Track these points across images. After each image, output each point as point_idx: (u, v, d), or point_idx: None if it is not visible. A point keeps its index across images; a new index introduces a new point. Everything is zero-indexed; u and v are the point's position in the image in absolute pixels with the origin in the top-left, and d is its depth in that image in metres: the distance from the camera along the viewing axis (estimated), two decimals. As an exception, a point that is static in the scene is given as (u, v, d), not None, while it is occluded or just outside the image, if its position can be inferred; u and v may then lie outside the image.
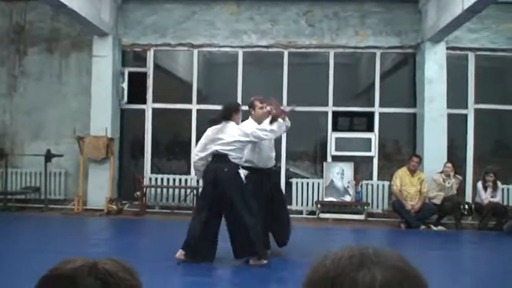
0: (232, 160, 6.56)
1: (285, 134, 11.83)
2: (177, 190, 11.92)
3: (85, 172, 11.78)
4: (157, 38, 12.23)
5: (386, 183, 11.46)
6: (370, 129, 12.05)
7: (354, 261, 0.95)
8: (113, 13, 11.91)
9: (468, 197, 11.30)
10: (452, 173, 10.50)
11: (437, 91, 11.31)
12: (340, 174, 11.51)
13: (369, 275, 0.92)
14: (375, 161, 11.92)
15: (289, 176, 12.05)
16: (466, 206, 10.55)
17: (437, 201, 10.45)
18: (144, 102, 12.29)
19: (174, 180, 12.01)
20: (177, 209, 11.57)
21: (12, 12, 12.66)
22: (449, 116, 11.43)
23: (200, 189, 6.67)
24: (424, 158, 10.97)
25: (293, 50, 12.11)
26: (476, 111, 11.73)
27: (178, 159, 12.83)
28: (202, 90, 12.65)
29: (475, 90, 11.75)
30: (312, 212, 11.62)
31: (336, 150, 11.83)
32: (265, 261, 6.48)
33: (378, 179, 11.80)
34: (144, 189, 11.60)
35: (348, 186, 11.45)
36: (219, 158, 6.57)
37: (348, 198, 11.46)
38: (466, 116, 11.74)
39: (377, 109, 11.95)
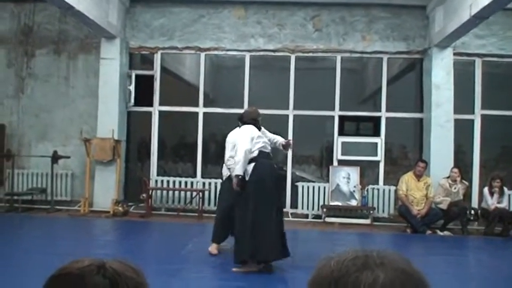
0: None
1: (291, 137, 11.95)
2: (182, 192, 11.97)
3: (91, 174, 11.85)
4: (164, 41, 12.31)
5: (393, 188, 11.48)
6: (376, 133, 12.08)
7: (357, 262, 0.97)
8: (120, 16, 11.99)
9: (474, 203, 11.33)
10: (458, 178, 10.52)
11: (444, 96, 11.35)
12: (346, 179, 11.54)
13: (371, 276, 0.94)
14: (381, 166, 11.95)
15: (295, 179, 12.09)
16: (472, 212, 10.60)
17: (444, 206, 10.46)
18: (150, 104, 12.36)
19: (180, 182, 12.06)
20: (183, 212, 11.61)
21: (20, 13, 12.75)
22: (456, 121, 11.46)
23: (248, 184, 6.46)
24: (430, 163, 11.01)
25: (300, 54, 12.17)
26: (483, 117, 11.77)
27: (184, 161, 12.90)
28: (209, 93, 12.73)
29: (481, 96, 11.79)
30: (318, 216, 11.65)
31: (342, 154, 11.87)
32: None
33: (384, 184, 11.83)
34: (150, 192, 11.65)
35: (353, 191, 11.48)
36: (267, 155, 6.70)
37: (353, 203, 11.49)
38: (472, 121, 11.77)
39: (384, 114, 11.99)
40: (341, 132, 12.11)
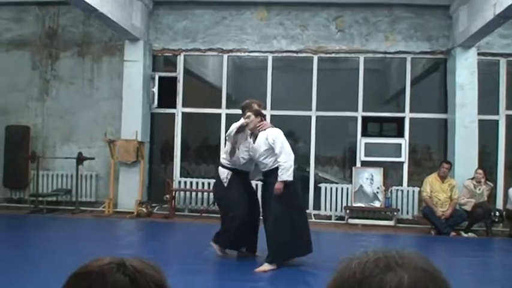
0: None
1: (314, 138, 11.99)
2: (205, 194, 12.07)
3: (116, 175, 12.02)
4: (187, 43, 12.44)
5: (417, 189, 11.47)
6: (400, 134, 12.07)
7: (380, 264, 0.97)
8: (144, 18, 12.14)
9: (499, 204, 11.27)
10: (483, 180, 10.48)
11: (469, 97, 11.32)
12: (369, 180, 11.55)
13: (396, 277, 0.94)
14: (405, 167, 11.94)
15: (318, 181, 12.14)
16: (497, 213, 10.53)
17: (468, 207, 10.43)
18: (174, 106, 12.50)
19: (203, 184, 12.16)
20: (206, 213, 11.71)
21: (44, 16, 12.99)
22: (481, 122, 11.42)
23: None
24: (454, 164, 10.99)
25: (323, 55, 12.21)
26: (508, 117, 11.71)
27: (207, 163, 12.99)
28: (231, 95, 12.82)
29: (506, 96, 11.73)
30: (341, 218, 11.69)
31: (366, 155, 11.89)
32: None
33: (408, 185, 11.80)
34: (173, 193, 11.78)
35: (377, 192, 11.48)
36: None
37: (377, 204, 11.49)
38: (497, 122, 11.71)
39: (407, 114, 11.98)
40: (364, 133, 12.13)
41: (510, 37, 11.58)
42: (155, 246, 8.49)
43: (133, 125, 11.90)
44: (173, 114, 12.52)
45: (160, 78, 12.52)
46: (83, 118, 12.69)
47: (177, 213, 11.87)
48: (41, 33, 12.98)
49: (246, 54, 12.49)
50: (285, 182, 6.60)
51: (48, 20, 12.99)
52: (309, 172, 12.23)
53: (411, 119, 11.98)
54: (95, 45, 12.76)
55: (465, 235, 10.28)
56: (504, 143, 11.67)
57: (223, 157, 7.26)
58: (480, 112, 11.39)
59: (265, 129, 6.94)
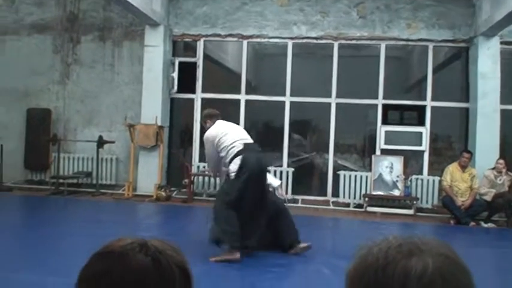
0: None
1: (334, 125, 12.00)
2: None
3: (135, 159, 12.15)
4: (207, 28, 12.48)
5: (437, 178, 11.44)
6: (421, 123, 12.03)
7: (403, 250, 0.97)
8: (164, 3, 12.20)
9: (520, 195, 11.19)
10: (504, 170, 10.42)
11: (491, 86, 11.24)
12: (389, 168, 11.53)
13: (420, 262, 0.94)
14: (426, 156, 11.90)
15: (337, 168, 12.15)
16: (518, 204, 10.47)
17: (488, 198, 10.39)
18: (193, 91, 12.57)
19: (221, 169, 12.20)
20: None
21: (66, 1, 13.14)
22: (502, 111, 11.36)
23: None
24: (475, 154, 10.94)
25: (343, 41, 12.18)
26: (530, 107, 11.61)
27: (226, 148, 13.01)
28: (251, 81, 12.86)
29: (529, 85, 11.62)
30: (359, 205, 11.70)
31: (386, 143, 11.87)
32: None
33: (428, 174, 11.78)
34: (192, 177, 11.86)
35: (396, 181, 11.47)
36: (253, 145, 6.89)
37: (396, 193, 11.48)
38: (519, 111, 11.63)
39: (429, 103, 11.92)
40: (384, 121, 12.11)
41: (534, 26, 11.46)
42: (174, 229, 8.62)
43: (153, 109, 12.01)
44: (192, 100, 12.60)
45: (180, 63, 12.61)
46: (104, 102, 12.83)
47: (195, 197, 11.96)
48: (62, 18, 13.11)
49: (266, 40, 12.49)
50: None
51: (69, 4, 13.12)
52: (327, 159, 12.26)
53: (432, 108, 11.92)
54: (116, 30, 12.85)
55: (485, 225, 10.24)
56: (526, 132, 11.58)
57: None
58: (502, 102, 11.32)
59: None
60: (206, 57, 12.72)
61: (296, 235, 6.84)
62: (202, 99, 12.55)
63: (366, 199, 11.57)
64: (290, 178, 12.02)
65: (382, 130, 11.94)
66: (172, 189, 12.15)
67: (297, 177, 12.19)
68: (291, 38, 12.30)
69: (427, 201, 11.60)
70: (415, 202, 11.42)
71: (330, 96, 12.16)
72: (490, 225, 10.25)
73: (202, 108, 12.48)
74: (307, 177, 12.89)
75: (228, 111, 13.00)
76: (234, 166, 6.51)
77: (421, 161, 11.97)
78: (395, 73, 12.61)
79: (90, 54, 12.95)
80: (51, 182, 12.51)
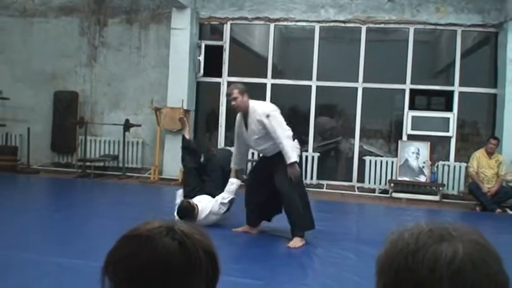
0: None
1: (360, 110, 12.15)
2: (249, 163, 12.34)
3: (161, 142, 12.43)
4: (234, 11, 12.67)
5: (463, 164, 11.55)
6: (448, 108, 12.14)
7: (434, 235, 0.99)
8: (191, -14, 12.40)
9: (547, 182, 11.28)
10: (531, 157, 10.52)
11: (519, 72, 11.30)
12: (415, 154, 11.67)
13: (451, 248, 0.96)
14: (453, 142, 12.01)
15: (362, 153, 12.33)
16: (545, 191, 10.57)
17: (515, 184, 10.52)
18: (219, 75, 12.78)
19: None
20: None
21: (93, -17, 13.37)
22: (531, 98, 11.40)
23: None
24: (502, 141, 11.01)
25: (371, 25, 12.29)
26: (560, 93, 11.64)
27: (251, 132, 13.23)
28: (277, 64, 13.04)
29: (559, 71, 11.64)
30: (385, 191, 11.86)
31: (412, 129, 11.99)
32: None
33: (455, 160, 11.89)
34: (218, 161, 12.08)
35: (423, 166, 11.61)
36: None
37: (422, 179, 11.63)
38: (548, 98, 11.66)
39: (457, 88, 12.01)
40: (412, 106, 12.22)
41: None
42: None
43: (179, 93, 12.25)
44: (219, 83, 12.82)
45: (206, 46, 12.82)
46: (130, 85, 13.12)
47: (221, 181, 12.17)
48: (90, 0, 13.36)
49: (293, 23, 12.65)
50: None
51: (96, -14, 13.37)
52: (353, 144, 12.44)
53: (460, 93, 12.02)
54: (143, 12, 13.10)
55: (511, 212, 10.38)
56: (555, 119, 11.62)
57: None
58: (531, 88, 11.37)
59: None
60: (233, 40, 12.92)
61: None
62: (229, 83, 12.74)
63: (392, 185, 11.72)
64: (316, 163, 12.23)
65: (409, 115, 12.07)
66: (198, 173, 12.38)
67: (322, 162, 12.40)
68: (318, 22, 12.45)
69: (453, 188, 11.72)
70: (441, 188, 11.54)
71: (356, 80, 12.31)
72: (516, 212, 10.39)
73: (229, 92, 12.69)
74: (333, 163, 13.09)
75: (254, 95, 13.18)
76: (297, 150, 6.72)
77: (448, 147, 12.09)
78: (423, 58, 12.69)
79: (117, 37, 13.23)
80: (77, 165, 12.87)
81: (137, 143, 12.98)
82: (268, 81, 12.61)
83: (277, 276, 5.28)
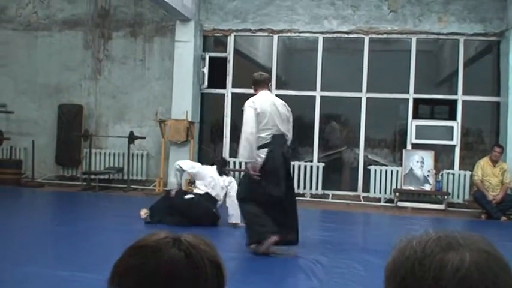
0: None
1: (364, 119, 12.27)
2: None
3: (166, 154, 12.54)
4: (238, 23, 12.85)
5: (468, 173, 11.64)
6: (452, 117, 12.26)
7: (441, 243, 0.99)
8: (195, -2, 12.57)
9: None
10: (536, 164, 10.60)
11: (522, 80, 11.41)
12: (420, 163, 11.77)
13: (457, 256, 0.95)
14: (457, 150, 12.12)
15: (367, 163, 12.43)
16: (550, 198, 10.64)
17: (520, 192, 10.60)
18: (224, 87, 12.94)
19: (252, 164, 12.52)
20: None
21: (97, -4, 13.57)
22: (534, 105, 11.50)
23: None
24: (507, 148, 11.13)
25: (374, 36, 12.44)
26: None
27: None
28: (281, 76, 13.21)
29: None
30: (390, 200, 11.97)
31: (416, 138, 12.10)
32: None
33: (460, 169, 12.00)
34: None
35: (427, 175, 11.71)
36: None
37: (427, 187, 11.74)
38: (552, 106, 11.76)
39: (460, 97, 12.13)
40: (415, 116, 12.35)
41: None
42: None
43: (183, 105, 12.40)
44: (223, 95, 12.96)
45: (210, 58, 12.99)
46: (135, 98, 13.29)
47: (226, 193, 12.28)
48: (94, 13, 13.58)
49: (297, 34, 12.82)
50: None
51: (100, 0, 13.53)
52: (358, 154, 12.54)
53: (464, 102, 12.14)
54: (147, 25, 13.29)
55: (516, 220, 10.48)
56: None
57: None
58: (534, 96, 11.47)
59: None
60: (236, 52, 13.10)
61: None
62: (233, 94, 12.90)
63: (397, 194, 11.82)
64: (320, 173, 12.34)
65: (413, 124, 12.18)
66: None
67: (327, 172, 12.50)
68: (322, 33, 12.61)
69: (458, 196, 11.82)
70: (446, 197, 11.64)
71: (360, 90, 12.44)
72: (521, 219, 10.46)
73: (233, 103, 12.85)
74: (338, 172, 13.19)
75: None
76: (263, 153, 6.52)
77: (452, 155, 12.20)
78: (426, 67, 12.82)
79: (121, 50, 13.41)
80: (82, 178, 12.95)
81: (142, 155, 13.13)
82: (273, 92, 12.64)
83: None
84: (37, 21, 13.84)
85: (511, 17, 11.39)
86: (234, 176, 10.13)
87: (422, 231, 1.06)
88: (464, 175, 11.78)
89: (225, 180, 8.47)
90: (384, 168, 12.20)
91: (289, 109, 6.74)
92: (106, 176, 12.93)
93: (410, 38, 12.35)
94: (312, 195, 12.32)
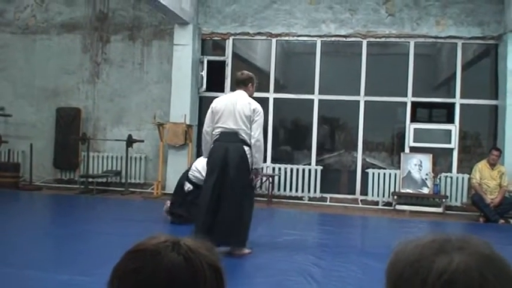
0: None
1: (362, 123, 12.31)
2: (252, 178, 12.46)
3: (164, 157, 12.59)
4: (236, 27, 12.89)
5: (466, 176, 11.69)
6: (450, 120, 12.31)
7: (434, 246, 1.00)
8: (193, 2, 12.63)
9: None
10: (534, 168, 10.63)
11: (520, 83, 11.46)
12: (418, 166, 11.82)
13: (446, 259, 0.96)
14: (455, 154, 12.17)
15: (365, 166, 12.48)
16: (547, 201, 10.67)
17: (517, 195, 10.64)
18: (222, 90, 12.93)
19: (250, 167, 12.55)
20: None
21: (95, 0, 13.56)
22: (532, 108, 11.55)
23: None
24: (504, 151, 11.17)
25: (372, 39, 12.49)
26: (561, 104, 11.78)
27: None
28: (279, 79, 13.24)
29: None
30: (388, 204, 12.00)
31: (414, 141, 12.14)
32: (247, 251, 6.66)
33: (458, 172, 12.04)
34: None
35: (426, 178, 11.76)
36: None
37: (425, 191, 11.78)
38: (549, 109, 11.81)
39: (458, 100, 12.18)
40: (413, 119, 12.39)
41: None
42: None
43: (182, 108, 12.44)
44: (221, 98, 12.94)
45: (209, 62, 13.04)
46: (133, 101, 13.32)
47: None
48: (92, 17, 13.61)
49: (295, 38, 12.86)
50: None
51: (98, 3, 13.62)
52: (356, 157, 12.57)
53: (461, 105, 12.19)
54: (145, 29, 13.33)
55: (514, 223, 10.51)
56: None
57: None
58: (532, 99, 11.51)
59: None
60: (235, 55, 13.14)
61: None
62: (231, 98, 12.89)
63: (395, 197, 11.86)
64: (318, 176, 12.37)
65: (411, 128, 12.22)
66: (201, 187, 12.52)
67: (325, 176, 12.53)
68: (320, 36, 12.66)
69: (456, 199, 11.86)
70: (444, 200, 11.68)
71: (358, 94, 12.48)
72: (519, 222, 10.50)
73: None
74: (336, 176, 13.21)
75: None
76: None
77: (450, 158, 12.24)
78: (424, 71, 12.85)
79: (120, 53, 13.45)
80: (80, 181, 12.92)
81: (140, 158, 13.15)
82: (271, 95, 12.78)
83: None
84: (35, 24, 13.87)
85: (509, 20, 11.43)
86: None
87: (420, 234, 1.07)
88: (462, 178, 11.83)
89: None
90: (382, 171, 12.24)
91: (257, 109, 6.70)
92: (104, 179, 12.98)
93: (408, 42, 12.40)
94: (310, 199, 12.36)
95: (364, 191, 12.32)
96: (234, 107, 6.66)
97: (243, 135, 6.59)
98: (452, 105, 12.27)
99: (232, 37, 12.99)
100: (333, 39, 12.66)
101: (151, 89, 13.24)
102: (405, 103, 12.37)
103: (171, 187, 12.24)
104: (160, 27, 13.23)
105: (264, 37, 12.89)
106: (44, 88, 13.68)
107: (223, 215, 6.48)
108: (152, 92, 13.23)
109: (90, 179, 12.72)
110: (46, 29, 13.81)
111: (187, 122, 12.34)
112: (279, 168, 12.50)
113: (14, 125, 13.71)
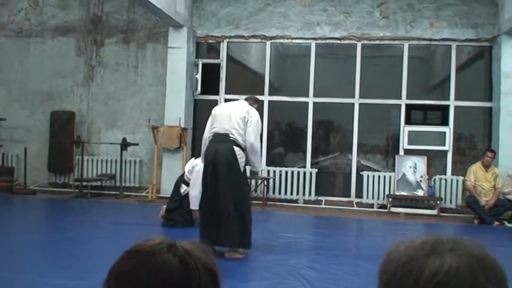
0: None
1: (357, 125, 12.33)
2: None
3: (159, 161, 12.57)
4: (230, 30, 12.91)
5: (460, 178, 11.71)
6: (444, 123, 12.34)
7: (425, 247, 1.00)
8: (187, 5, 12.63)
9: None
10: (528, 169, 10.66)
11: (514, 85, 11.50)
12: (412, 168, 11.84)
13: (438, 261, 0.97)
14: (449, 156, 12.20)
15: (360, 168, 12.49)
16: (542, 203, 10.70)
17: (512, 197, 10.67)
18: (216, 93, 12.98)
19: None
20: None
21: (89, 3, 13.64)
22: (526, 110, 11.58)
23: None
24: (499, 153, 11.21)
25: (366, 42, 12.52)
26: (555, 106, 11.83)
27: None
28: (274, 82, 13.25)
29: (553, 84, 11.84)
30: (383, 206, 12.02)
31: (409, 143, 12.16)
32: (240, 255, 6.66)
33: (452, 174, 12.07)
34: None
35: (420, 181, 11.78)
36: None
37: (420, 193, 11.80)
38: (543, 111, 11.85)
39: (452, 102, 12.22)
40: (408, 121, 12.43)
41: (558, 24, 11.69)
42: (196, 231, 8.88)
43: (176, 111, 12.44)
44: (216, 101, 12.93)
45: (203, 64, 13.05)
46: (127, 104, 13.31)
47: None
48: (86, 20, 13.61)
49: (289, 41, 12.88)
50: None
51: (92, 6, 13.61)
52: (351, 160, 12.58)
53: (456, 107, 12.22)
54: (139, 32, 13.33)
55: (509, 225, 10.53)
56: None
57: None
58: (526, 101, 11.55)
59: None
60: (229, 58, 13.16)
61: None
62: (226, 101, 12.89)
63: (390, 199, 11.87)
64: (313, 179, 12.38)
65: (405, 130, 12.24)
66: (196, 190, 12.51)
67: (320, 178, 12.54)
68: (314, 39, 12.68)
69: (450, 201, 11.89)
70: (438, 202, 11.70)
71: (353, 96, 12.50)
72: (514, 224, 10.52)
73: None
74: (331, 178, 13.21)
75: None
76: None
77: (445, 160, 12.28)
78: (419, 73, 12.89)
79: (114, 56, 13.44)
80: (74, 185, 12.89)
81: (135, 161, 13.14)
82: (265, 98, 12.78)
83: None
84: (29, 27, 13.85)
85: (503, 22, 11.48)
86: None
87: (414, 236, 1.07)
88: (457, 180, 11.86)
89: None
90: (376, 173, 12.26)
91: (253, 113, 6.78)
92: (98, 183, 12.94)
93: (403, 44, 12.43)
94: (305, 201, 12.37)
95: (359, 194, 12.34)
96: (231, 110, 6.82)
97: (235, 135, 6.66)
98: (447, 107, 12.30)
99: (227, 40, 13.00)
100: (327, 41, 12.69)
101: (145, 92, 13.23)
102: (399, 105, 12.40)
103: (166, 190, 12.27)
104: (154, 30, 13.23)
105: (258, 40, 12.91)
106: (38, 91, 13.66)
107: (218, 215, 6.53)
108: (147, 95, 13.22)
109: (85, 183, 12.70)
110: (40, 32, 13.79)
111: (182, 125, 12.33)
112: (274, 171, 12.50)
113: (8, 129, 13.68)
